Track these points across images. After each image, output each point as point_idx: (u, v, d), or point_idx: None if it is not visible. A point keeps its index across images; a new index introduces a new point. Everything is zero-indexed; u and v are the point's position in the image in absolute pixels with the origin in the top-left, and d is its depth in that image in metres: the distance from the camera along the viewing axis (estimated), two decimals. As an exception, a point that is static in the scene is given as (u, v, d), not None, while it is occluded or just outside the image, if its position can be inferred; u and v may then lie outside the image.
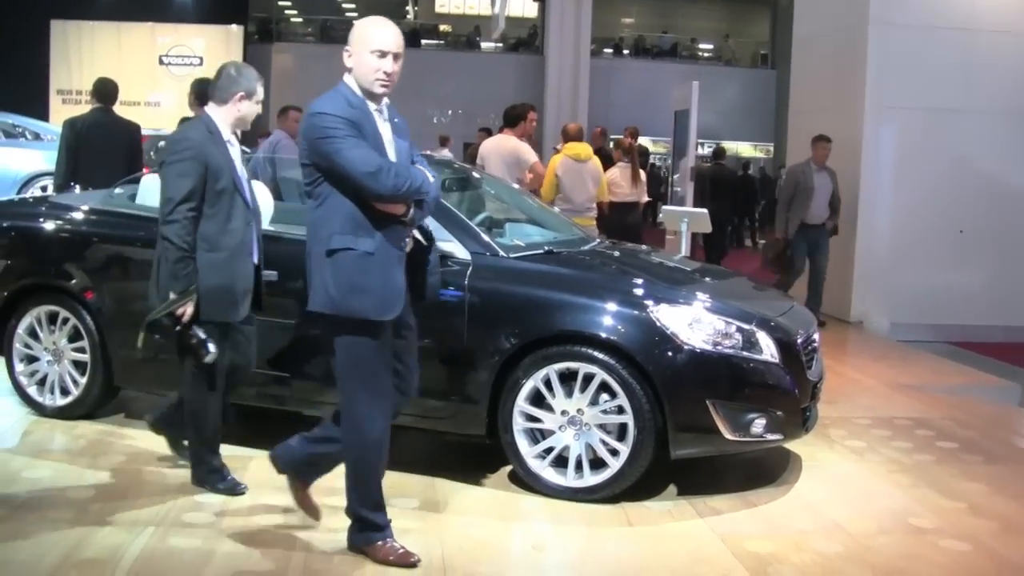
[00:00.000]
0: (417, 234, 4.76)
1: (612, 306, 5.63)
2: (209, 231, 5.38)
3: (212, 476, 5.66)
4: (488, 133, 14.87)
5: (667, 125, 16.63)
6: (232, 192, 5.42)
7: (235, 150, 5.54)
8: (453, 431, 6.02)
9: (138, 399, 7.14)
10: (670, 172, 15.28)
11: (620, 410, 5.54)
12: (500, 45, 33.68)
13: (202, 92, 9.66)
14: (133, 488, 5.69)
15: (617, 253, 6.95)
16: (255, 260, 5.60)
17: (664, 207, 12.99)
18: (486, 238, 6.03)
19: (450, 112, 31.34)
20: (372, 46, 4.55)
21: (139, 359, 6.20)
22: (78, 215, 7.02)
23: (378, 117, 4.65)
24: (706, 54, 36.50)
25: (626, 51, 35.61)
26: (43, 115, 22.98)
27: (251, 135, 16.75)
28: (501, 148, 10.21)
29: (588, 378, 5.55)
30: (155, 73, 30.73)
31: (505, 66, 31.80)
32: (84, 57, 30.42)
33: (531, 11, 33.72)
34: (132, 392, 7.06)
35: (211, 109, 5.54)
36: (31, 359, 6.92)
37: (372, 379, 4.59)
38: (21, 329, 6.89)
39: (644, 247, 8.38)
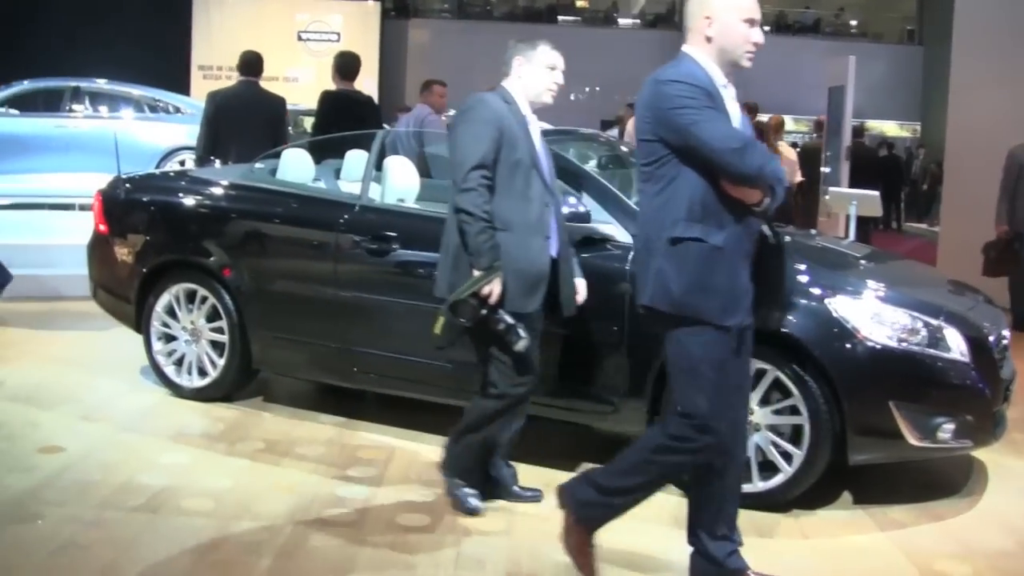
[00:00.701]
0: (766, 229, 4.15)
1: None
2: (502, 208, 4.77)
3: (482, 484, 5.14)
4: (633, 107, 14.40)
5: (809, 103, 15.98)
6: (529, 167, 4.85)
7: (534, 126, 5.00)
8: (610, 429, 5.60)
9: (276, 382, 6.89)
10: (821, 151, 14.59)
11: (794, 411, 5.07)
12: (638, 21, 33.01)
13: (343, 66, 9.51)
14: (271, 479, 5.42)
15: (785, 239, 6.43)
16: (553, 251, 4.94)
17: (831, 189, 12.29)
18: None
19: (587, 89, 30.87)
20: (744, 14, 4.00)
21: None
22: (217, 190, 6.78)
23: (726, 94, 4.04)
24: (852, 31, 35.28)
25: (767, 27, 34.60)
26: (184, 90, 23.06)
27: (388, 109, 16.52)
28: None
29: (759, 374, 5.09)
30: (293, 48, 30.82)
31: (643, 42, 31.09)
32: (225, 32, 30.64)
33: (670, -14, 33.00)
34: (270, 375, 6.81)
35: (506, 82, 5.03)
36: (169, 338, 6.73)
37: (713, 389, 3.96)
38: (159, 307, 6.70)
39: (811, 231, 7.85)
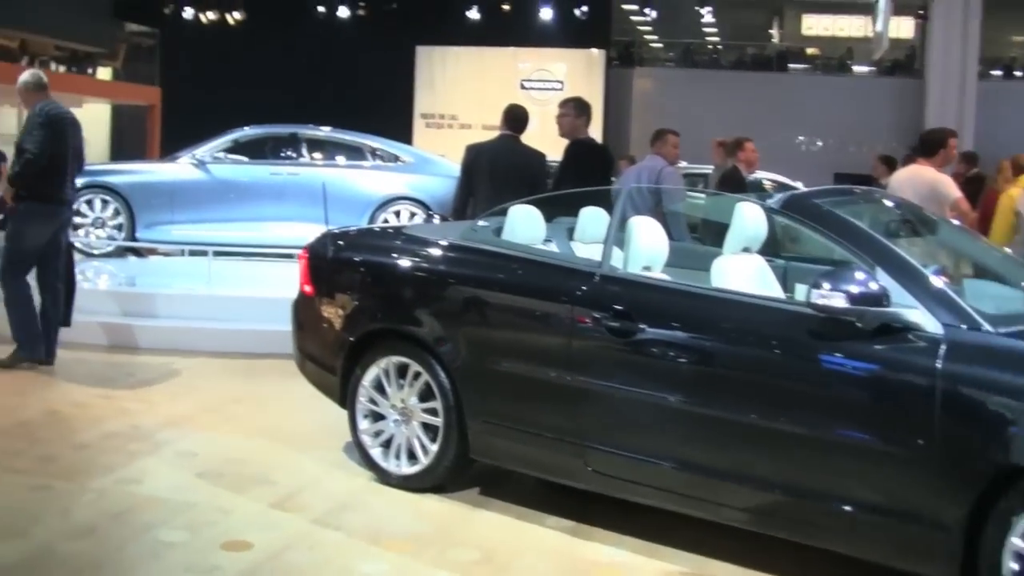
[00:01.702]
0: None
1: None
2: None
3: None
4: (888, 161, 13.15)
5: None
6: None
7: None
8: (896, 564, 4.50)
9: (496, 471, 5.97)
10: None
11: None
12: (874, 68, 31.45)
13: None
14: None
15: None
16: None
17: None
18: (964, 304, 4.44)
19: (819, 141, 29.50)
20: None
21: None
22: (435, 251, 5.96)
23: None
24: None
25: (1017, 72, 32.43)
26: (407, 139, 22.85)
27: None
28: (916, 181, 8.55)
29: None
30: (516, 98, 30.37)
31: (880, 90, 29.57)
32: (448, 82, 30.62)
33: (908, 31, 31.29)
34: (490, 464, 5.90)
35: None
36: (377, 416, 5.93)
37: None
38: (367, 381, 5.91)
39: None
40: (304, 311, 6.40)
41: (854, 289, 4.34)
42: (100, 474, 5.90)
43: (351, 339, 5.96)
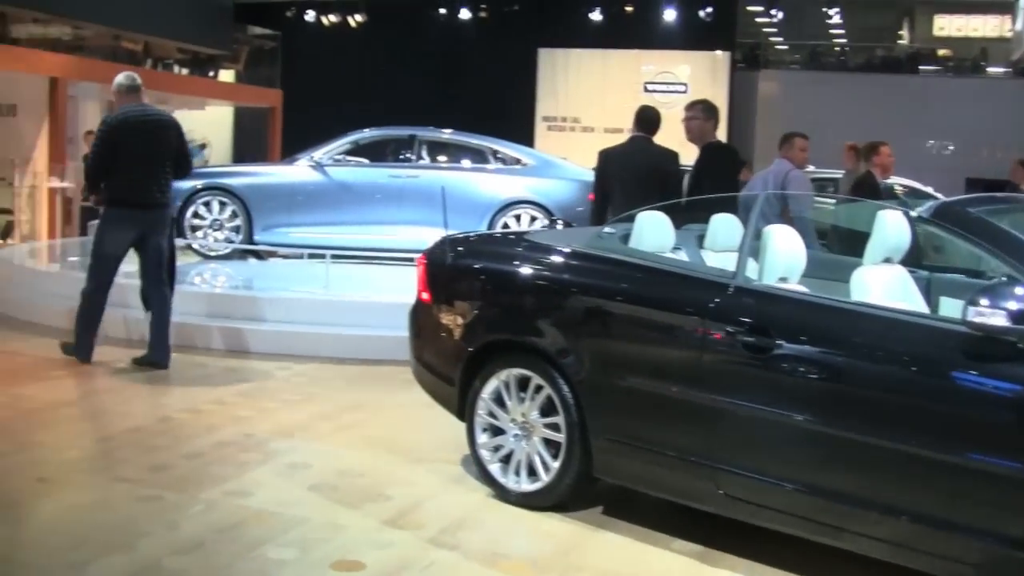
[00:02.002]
0: None
1: None
2: None
3: None
4: (1027, 166, 12.58)
5: None
6: None
7: None
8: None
9: (621, 490, 5.64)
10: None
11: None
12: (1009, 70, 30.39)
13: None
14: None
15: None
16: None
17: None
18: None
19: (950, 144, 28.56)
20: None
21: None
22: (559, 259, 5.66)
23: None
24: None
25: None
26: (528, 142, 22.66)
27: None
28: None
29: None
30: (639, 100, 30.08)
31: (1017, 91, 28.54)
32: (570, 84, 30.39)
33: (1051, 31, 30.17)
34: (614, 483, 5.56)
35: None
36: (496, 431, 5.66)
37: None
38: (486, 393, 5.65)
39: None
40: (421, 319, 6.17)
41: (1016, 307, 3.97)
42: (210, 485, 5.73)
43: (470, 349, 5.70)
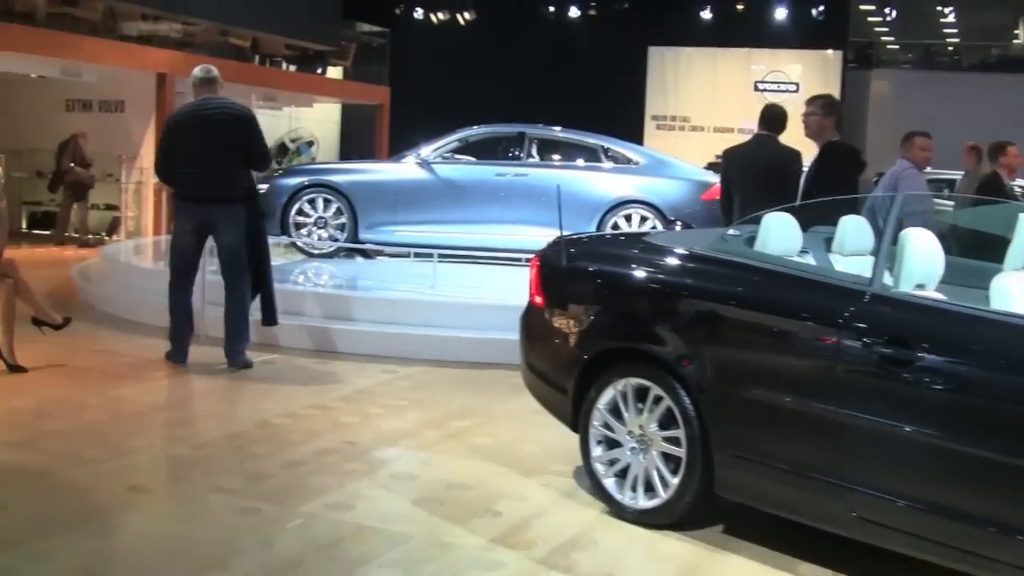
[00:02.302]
0: None
1: None
2: None
3: None
4: None
5: None
6: None
7: None
8: None
9: (743, 508, 5.28)
10: None
11: None
12: None
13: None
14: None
15: None
16: None
17: None
18: None
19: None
20: None
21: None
22: (680, 262, 5.35)
23: None
24: None
25: None
26: (637, 141, 22.30)
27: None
28: None
29: None
30: (749, 100, 29.71)
31: None
32: (680, 83, 30.06)
33: None
34: (736, 502, 5.20)
35: None
36: (611, 443, 5.35)
37: None
38: (602, 404, 5.34)
39: None
40: (534, 323, 5.88)
41: None
42: (310, 497, 5.47)
43: (585, 357, 5.40)
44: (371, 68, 26.46)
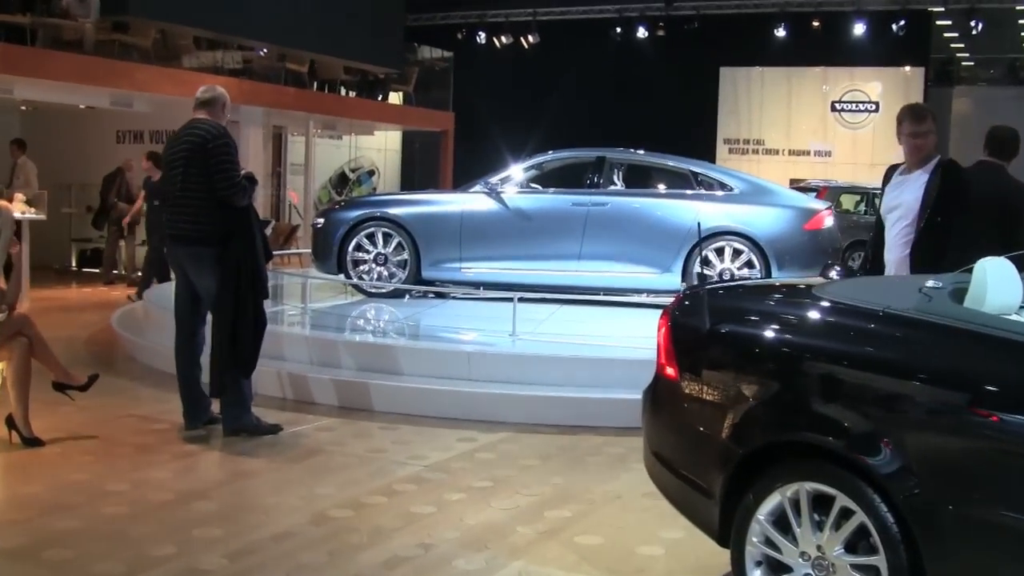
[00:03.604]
0: None
1: None
2: None
3: None
4: None
5: None
6: None
7: None
8: None
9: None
10: None
11: None
12: None
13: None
14: None
15: None
16: None
17: None
18: None
19: None
20: None
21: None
22: (869, 325, 3.98)
23: None
24: None
25: None
26: (711, 165, 21.12)
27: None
28: None
29: None
30: (826, 120, 28.50)
31: None
32: (753, 104, 28.93)
33: None
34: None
35: None
36: (776, 567, 3.98)
37: None
38: (763, 513, 3.97)
39: None
40: (664, 402, 4.55)
41: None
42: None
43: (741, 451, 4.04)
44: (434, 94, 25.35)
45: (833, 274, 5.92)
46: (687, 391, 4.37)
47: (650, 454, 4.65)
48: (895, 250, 6.19)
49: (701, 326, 4.36)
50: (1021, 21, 29.98)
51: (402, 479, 6.31)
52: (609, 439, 7.22)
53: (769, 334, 4.23)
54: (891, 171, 6.56)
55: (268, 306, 7.59)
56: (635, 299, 11.16)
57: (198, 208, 7.11)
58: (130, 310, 12.15)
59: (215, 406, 7.36)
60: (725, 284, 5.24)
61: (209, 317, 7.42)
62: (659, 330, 4.57)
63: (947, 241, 5.92)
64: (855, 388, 3.83)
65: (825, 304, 4.22)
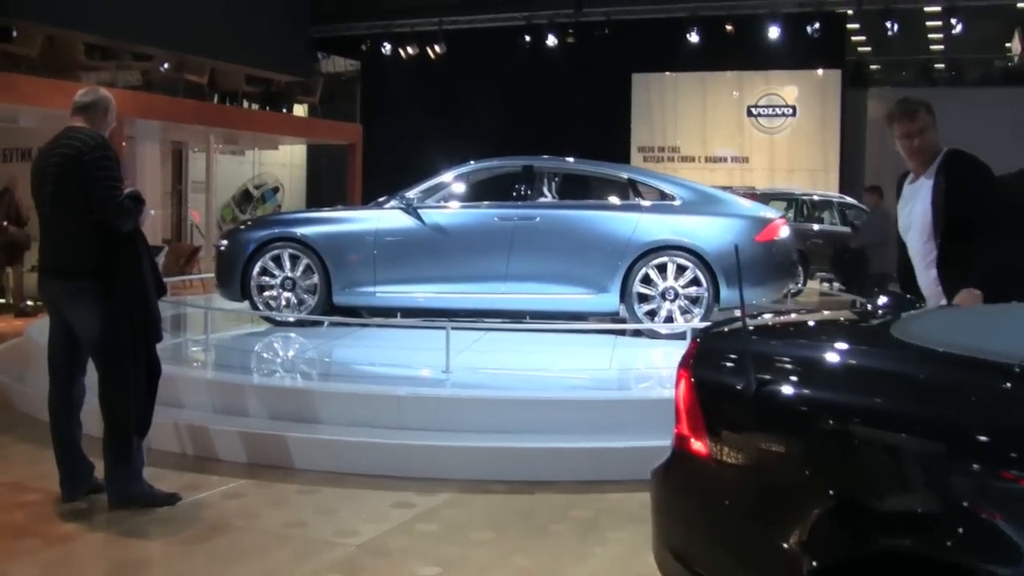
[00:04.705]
0: None
1: None
2: None
3: None
4: None
5: None
6: None
7: None
8: None
9: None
10: None
11: None
12: None
13: None
14: None
15: None
16: None
17: None
18: None
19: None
20: None
21: None
22: (991, 380, 2.87)
23: None
24: None
25: None
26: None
27: (854, 188, 12.68)
28: None
29: None
30: (742, 126, 27.79)
31: None
32: (666, 111, 28.17)
33: None
34: None
35: None
36: None
37: None
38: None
39: None
40: (690, 487, 3.39)
41: None
42: None
43: (814, 564, 2.89)
44: (340, 105, 24.20)
45: (882, 301, 4.75)
46: (727, 475, 3.22)
47: (666, 552, 3.49)
48: (922, 272, 5.20)
49: (745, 385, 3.16)
50: (928, 23, 29.74)
51: (330, 565, 5.11)
52: (572, 498, 6.10)
53: (849, 399, 3.05)
54: (901, 181, 5.55)
55: (164, 343, 6.36)
56: (574, 325, 10.10)
57: (73, 234, 5.88)
58: (11, 347, 10.77)
59: (99, 468, 6.09)
60: (764, 324, 4.06)
61: (90, 364, 6.16)
62: (677, 387, 3.43)
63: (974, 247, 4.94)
64: (975, 477, 2.71)
65: (925, 353, 3.10)
